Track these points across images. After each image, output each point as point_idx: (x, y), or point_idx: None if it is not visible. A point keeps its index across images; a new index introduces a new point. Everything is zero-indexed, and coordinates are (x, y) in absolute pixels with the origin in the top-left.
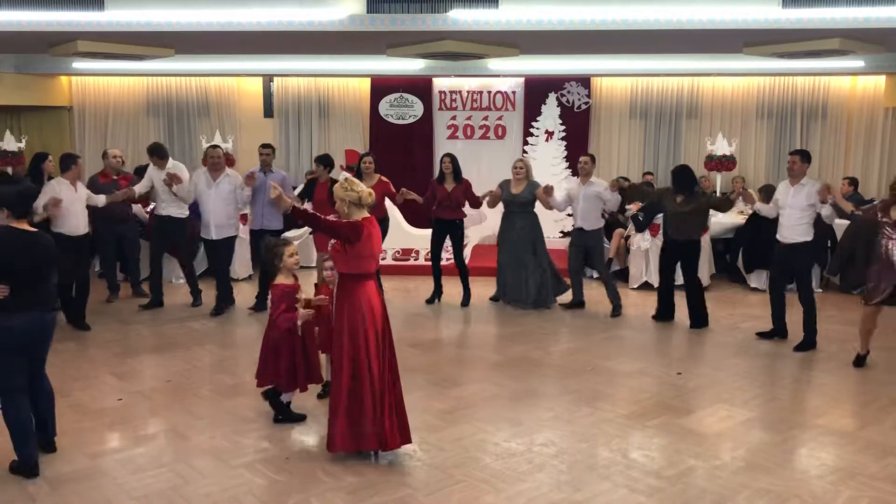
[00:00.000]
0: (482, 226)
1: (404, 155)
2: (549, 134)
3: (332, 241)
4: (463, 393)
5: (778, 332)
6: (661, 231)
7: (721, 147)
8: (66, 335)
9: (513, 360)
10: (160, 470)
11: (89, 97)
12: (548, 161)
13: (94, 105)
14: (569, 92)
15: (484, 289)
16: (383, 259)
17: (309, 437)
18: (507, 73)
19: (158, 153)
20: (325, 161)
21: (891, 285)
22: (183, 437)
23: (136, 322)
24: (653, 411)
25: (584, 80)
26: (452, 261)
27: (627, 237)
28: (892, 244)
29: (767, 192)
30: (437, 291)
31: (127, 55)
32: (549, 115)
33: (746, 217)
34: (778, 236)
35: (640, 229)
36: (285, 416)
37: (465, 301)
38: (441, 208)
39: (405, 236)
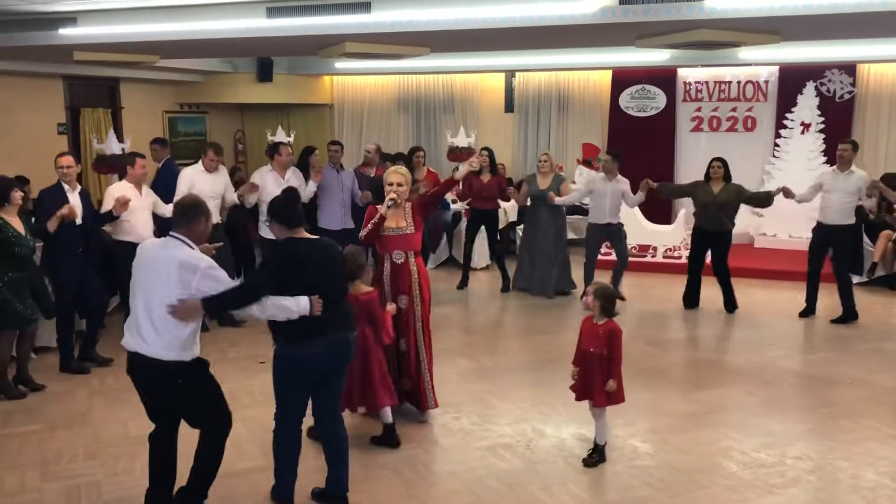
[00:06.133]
0: None
1: (642, 148)
2: (806, 126)
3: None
4: (707, 397)
5: (811, 310)
6: None
7: None
8: None
9: (760, 366)
10: (409, 444)
11: (348, 95)
12: (803, 155)
13: (352, 102)
14: (829, 80)
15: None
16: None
17: (547, 426)
18: (759, 62)
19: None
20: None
21: None
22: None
23: None
24: None
25: (849, 68)
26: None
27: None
28: None
29: None
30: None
31: (388, 55)
32: (806, 106)
33: None
34: (821, 219)
35: None
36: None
37: (505, 287)
38: (477, 199)
39: (643, 232)
